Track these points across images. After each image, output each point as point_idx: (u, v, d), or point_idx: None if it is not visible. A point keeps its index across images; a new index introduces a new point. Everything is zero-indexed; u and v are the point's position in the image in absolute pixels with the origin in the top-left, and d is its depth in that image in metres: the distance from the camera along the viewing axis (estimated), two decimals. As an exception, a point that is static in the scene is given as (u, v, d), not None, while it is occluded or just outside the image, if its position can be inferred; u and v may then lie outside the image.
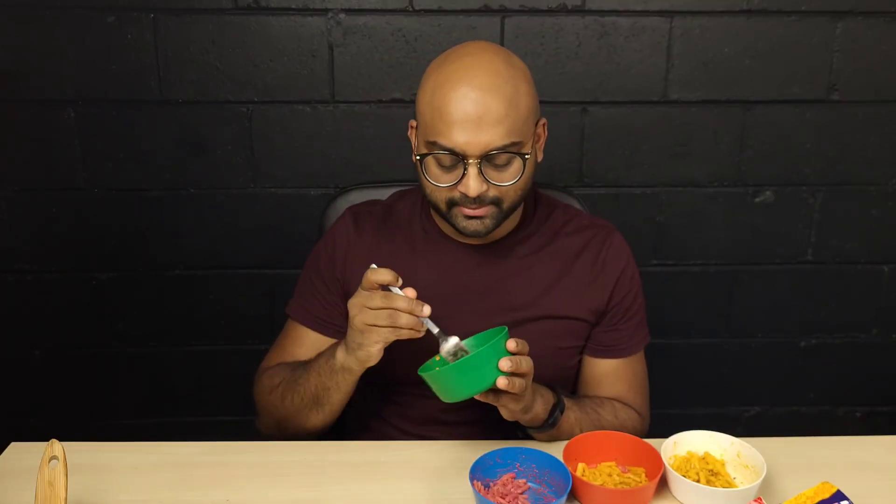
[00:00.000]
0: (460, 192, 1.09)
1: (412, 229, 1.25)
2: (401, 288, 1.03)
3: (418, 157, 1.12)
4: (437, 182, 1.10)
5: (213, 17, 1.69)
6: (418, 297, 1.03)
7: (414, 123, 1.16)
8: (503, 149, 1.06)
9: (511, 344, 0.99)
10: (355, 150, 1.80)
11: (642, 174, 1.85)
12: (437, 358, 1.08)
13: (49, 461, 0.91)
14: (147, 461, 1.11)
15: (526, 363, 1.00)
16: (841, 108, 1.81)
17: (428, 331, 1.05)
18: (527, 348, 1.02)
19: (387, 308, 1.01)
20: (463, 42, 1.72)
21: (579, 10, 1.72)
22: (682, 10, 1.73)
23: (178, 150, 1.78)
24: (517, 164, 1.09)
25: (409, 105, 1.77)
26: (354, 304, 1.04)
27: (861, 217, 1.91)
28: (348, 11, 1.70)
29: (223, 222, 1.84)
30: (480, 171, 1.06)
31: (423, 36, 1.72)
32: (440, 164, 1.09)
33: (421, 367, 1.06)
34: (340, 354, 1.09)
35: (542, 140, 1.18)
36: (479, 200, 1.09)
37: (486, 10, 1.71)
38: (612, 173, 1.84)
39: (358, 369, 1.09)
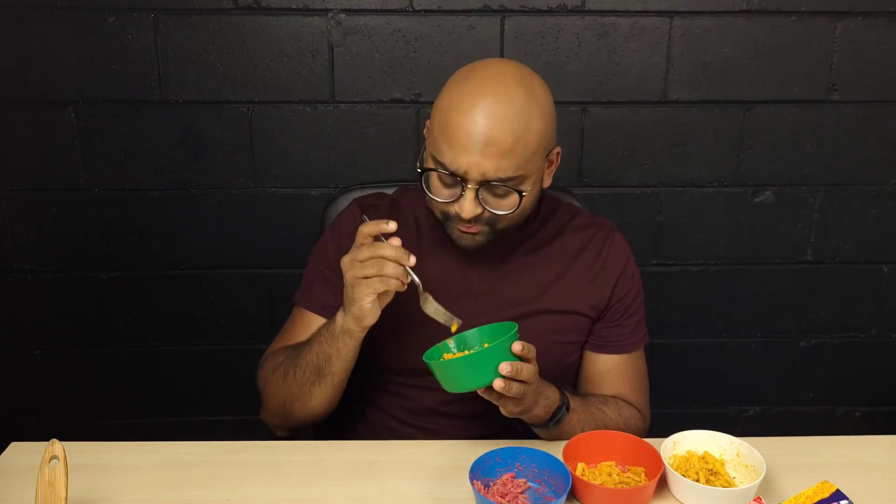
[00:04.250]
0: (455, 210, 1.09)
1: (418, 225, 1.26)
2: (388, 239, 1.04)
3: (419, 170, 1.12)
4: (436, 196, 1.11)
5: (214, 17, 1.70)
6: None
7: (429, 124, 1.17)
8: (501, 182, 1.06)
9: (517, 346, 0.99)
10: (355, 151, 1.80)
11: (642, 174, 1.85)
12: (447, 343, 1.09)
13: (49, 461, 0.91)
14: (147, 461, 1.12)
15: (527, 371, 1.00)
16: (840, 108, 1.82)
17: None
18: (533, 353, 1.02)
19: (374, 257, 1.02)
20: (466, 41, 1.72)
21: (579, 11, 1.72)
22: (681, 11, 1.73)
23: (179, 151, 1.79)
24: (514, 197, 1.09)
25: (409, 105, 1.77)
26: (345, 260, 1.05)
27: (860, 217, 1.91)
28: (348, 12, 1.71)
29: (223, 222, 1.85)
30: (477, 196, 1.07)
31: (423, 36, 1.72)
32: (441, 181, 1.10)
33: (426, 353, 1.06)
34: (339, 317, 1.10)
35: (554, 167, 1.18)
36: (472, 221, 1.10)
37: (486, 11, 1.71)
38: (612, 173, 1.85)
39: (357, 331, 1.09)
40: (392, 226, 1.04)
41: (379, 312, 1.07)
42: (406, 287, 1.05)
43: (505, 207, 1.10)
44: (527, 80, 1.08)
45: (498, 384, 0.98)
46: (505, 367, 0.97)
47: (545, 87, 1.12)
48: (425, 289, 1.06)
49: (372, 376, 1.26)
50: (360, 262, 1.03)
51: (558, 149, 1.17)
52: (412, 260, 1.03)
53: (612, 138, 1.82)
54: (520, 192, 1.08)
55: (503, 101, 1.04)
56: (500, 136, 1.03)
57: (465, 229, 1.12)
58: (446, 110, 1.07)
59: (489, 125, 1.03)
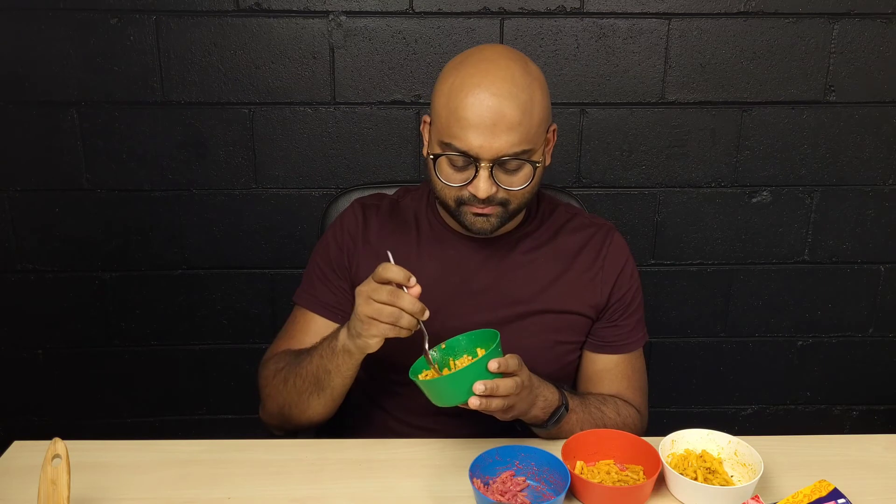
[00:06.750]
0: (470, 192, 1.11)
1: (418, 224, 1.27)
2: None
3: (432, 157, 1.13)
4: (449, 181, 1.12)
5: (215, 18, 1.70)
6: (423, 291, 1.04)
7: (427, 119, 1.18)
8: (515, 156, 1.08)
9: (493, 365, 0.98)
10: (356, 152, 1.81)
11: (640, 175, 1.86)
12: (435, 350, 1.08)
13: (52, 459, 0.92)
14: (149, 459, 1.12)
15: (505, 387, 0.99)
16: (837, 109, 1.82)
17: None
18: (514, 366, 1.01)
19: (392, 305, 1.02)
20: (465, 43, 1.74)
21: (578, 12, 1.73)
22: (679, 13, 1.74)
23: (181, 151, 1.79)
24: (527, 170, 1.11)
25: (409, 107, 1.78)
26: (362, 292, 1.04)
27: (857, 217, 1.92)
28: (349, 13, 1.71)
29: (225, 222, 1.85)
30: (491, 175, 1.09)
31: (423, 38, 1.73)
32: (452, 165, 1.11)
33: (412, 367, 1.06)
34: (342, 336, 1.10)
35: (552, 145, 1.19)
36: (487, 201, 1.11)
37: (485, 13, 1.72)
38: (610, 174, 1.86)
39: (357, 354, 1.09)
40: (414, 288, 1.02)
41: (381, 345, 1.07)
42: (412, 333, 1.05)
43: (518, 183, 1.11)
44: (520, 57, 1.12)
45: (473, 403, 0.98)
46: (479, 387, 0.97)
47: (536, 65, 1.14)
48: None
49: (372, 375, 1.27)
50: (377, 302, 1.02)
51: (555, 125, 1.19)
52: (426, 314, 1.03)
53: (610, 139, 1.83)
54: (533, 163, 1.10)
55: (505, 77, 1.07)
56: (507, 110, 1.06)
57: (479, 211, 1.13)
58: (450, 95, 1.08)
59: (496, 101, 1.06)
